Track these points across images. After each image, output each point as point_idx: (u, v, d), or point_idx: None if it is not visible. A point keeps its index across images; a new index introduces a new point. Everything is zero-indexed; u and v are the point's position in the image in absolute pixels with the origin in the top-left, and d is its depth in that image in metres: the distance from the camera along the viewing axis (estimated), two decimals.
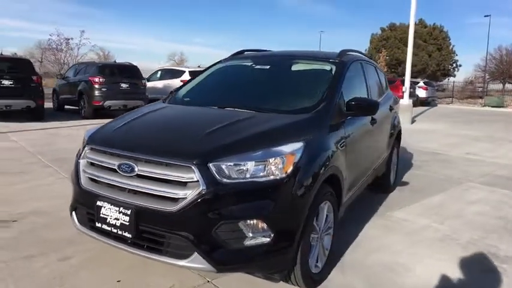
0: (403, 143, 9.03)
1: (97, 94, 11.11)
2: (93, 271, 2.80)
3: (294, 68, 3.76)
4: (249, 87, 3.56)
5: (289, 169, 2.31)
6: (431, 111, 20.15)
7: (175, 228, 2.19)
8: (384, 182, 4.91)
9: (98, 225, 2.41)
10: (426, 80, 28.05)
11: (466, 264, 3.16)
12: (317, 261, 2.73)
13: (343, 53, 3.81)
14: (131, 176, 2.34)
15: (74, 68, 13.58)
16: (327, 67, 3.55)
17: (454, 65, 45.84)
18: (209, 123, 2.63)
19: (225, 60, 4.17)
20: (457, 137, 10.63)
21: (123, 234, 2.30)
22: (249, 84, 3.62)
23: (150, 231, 2.27)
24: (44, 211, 3.88)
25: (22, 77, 10.15)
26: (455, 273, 2.99)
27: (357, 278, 2.85)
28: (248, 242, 2.22)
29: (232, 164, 2.22)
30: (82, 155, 2.66)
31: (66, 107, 13.24)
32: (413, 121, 14.42)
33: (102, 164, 2.49)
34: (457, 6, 72.90)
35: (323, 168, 2.58)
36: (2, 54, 11.15)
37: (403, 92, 14.65)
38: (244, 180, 2.21)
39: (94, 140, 2.65)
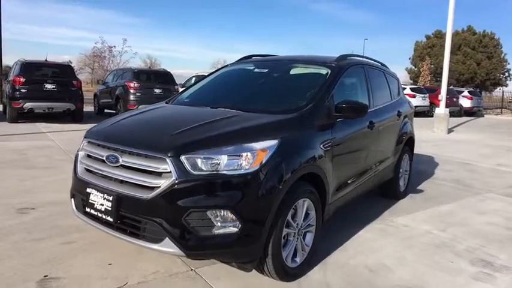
0: (431, 152, 8.86)
1: (132, 98, 11.73)
2: (90, 255, 3.05)
3: (293, 71, 3.88)
4: (243, 90, 3.73)
5: (258, 164, 2.43)
6: (474, 122, 19.33)
7: (150, 214, 2.38)
8: (391, 187, 4.87)
9: (87, 210, 2.65)
10: (471, 89, 26.91)
11: (454, 270, 3.11)
12: (295, 256, 2.82)
13: (342, 57, 3.88)
14: (116, 166, 2.57)
15: (113, 74, 14.41)
16: (323, 71, 3.64)
17: (506, 74, 43.50)
18: (192, 120, 2.82)
19: (232, 64, 4.37)
20: (493, 148, 10.19)
21: (107, 218, 2.53)
22: (244, 86, 3.79)
23: (129, 217, 2.47)
24: (61, 201, 4.22)
25: (63, 81, 10.95)
26: (437, 279, 2.96)
27: (335, 277, 2.90)
28: (216, 231, 2.36)
29: (203, 157, 2.38)
30: (80, 147, 2.94)
31: (106, 110, 14.04)
32: (450, 131, 13.94)
33: (95, 156, 2.75)
34: (510, 12, 69.23)
35: (299, 166, 2.68)
36: (46, 60, 12.05)
37: (439, 101, 14.20)
38: (214, 173, 2.37)
39: (90, 134, 2.92)
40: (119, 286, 2.61)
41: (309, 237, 2.98)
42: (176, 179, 2.33)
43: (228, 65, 4.38)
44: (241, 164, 2.42)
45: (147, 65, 40.87)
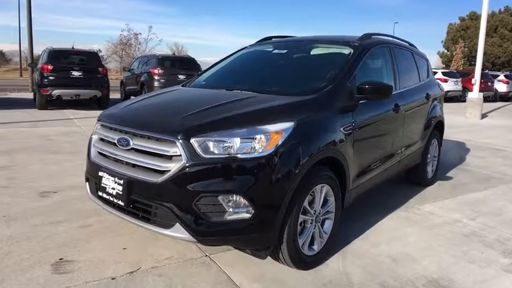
0: (462, 138, 8.46)
1: (156, 85, 11.78)
2: (106, 239, 3.04)
3: (313, 52, 3.71)
4: (261, 71, 3.60)
5: (273, 147, 2.32)
6: (509, 107, 18.39)
7: (160, 198, 2.32)
8: (418, 173, 4.65)
9: (100, 193, 2.62)
10: (507, 73, 25.58)
11: (483, 261, 2.91)
12: (312, 244, 2.71)
13: (366, 36, 3.67)
14: (127, 150, 2.51)
15: (138, 60, 14.51)
16: (346, 50, 3.46)
17: None
18: (204, 103, 2.73)
19: (251, 46, 4.23)
20: None
21: (118, 202, 2.49)
22: (262, 68, 3.65)
23: (140, 201, 2.42)
24: (81, 186, 4.24)
25: (90, 68, 11.11)
26: (465, 270, 2.78)
27: (355, 266, 2.77)
28: (229, 217, 2.27)
29: (214, 140, 2.28)
30: (94, 130, 2.90)
31: (132, 97, 14.19)
32: (483, 116, 13.31)
33: (107, 139, 2.70)
34: None
35: (316, 150, 2.55)
36: (73, 48, 12.25)
37: (472, 85, 13.56)
38: (225, 156, 2.27)
39: (103, 117, 2.87)
40: (132, 270, 2.58)
41: (328, 225, 2.85)
42: (186, 163, 2.25)
43: (246, 46, 4.24)
44: (254, 147, 2.31)
45: (173, 51, 41.05)
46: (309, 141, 2.53)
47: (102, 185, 2.60)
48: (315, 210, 2.69)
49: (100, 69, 11.28)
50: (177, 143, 2.28)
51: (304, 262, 2.62)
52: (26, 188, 4.18)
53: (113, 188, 2.50)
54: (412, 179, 4.74)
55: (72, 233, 3.12)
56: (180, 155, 2.27)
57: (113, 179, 2.50)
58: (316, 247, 2.73)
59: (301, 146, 2.45)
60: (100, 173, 2.60)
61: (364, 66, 3.37)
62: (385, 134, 3.58)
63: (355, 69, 3.17)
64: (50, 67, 10.60)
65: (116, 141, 2.58)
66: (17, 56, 43.88)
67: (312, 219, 2.67)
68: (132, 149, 2.49)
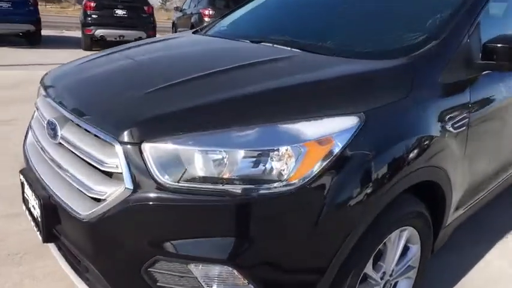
0: None
1: None
2: None
3: None
4: (312, 16, 2.24)
5: (310, 172, 1.11)
6: None
7: (86, 251, 1.24)
8: None
9: (24, 205, 1.61)
10: None
11: None
12: None
13: None
14: (56, 144, 1.43)
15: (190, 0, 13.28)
16: None
17: None
18: (198, 66, 1.54)
19: None
20: None
21: (38, 229, 1.46)
22: (315, 11, 2.28)
23: (62, 242, 1.37)
24: None
25: (135, 7, 10.10)
26: None
27: None
28: None
29: (190, 148, 1.12)
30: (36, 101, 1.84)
31: None
32: None
33: (40, 117, 1.64)
34: None
35: (402, 173, 1.30)
36: None
37: None
38: (209, 188, 1.11)
39: (46, 80, 1.78)
40: None
41: (404, 287, 1.65)
42: (130, 190, 1.13)
43: None
44: (271, 170, 1.12)
45: None
46: (386, 154, 1.27)
47: (25, 194, 1.58)
48: (383, 272, 1.49)
49: (146, 7, 10.24)
50: (116, 149, 1.16)
51: None
52: None
53: (34, 207, 1.47)
54: None
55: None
56: (122, 173, 1.15)
57: (31, 192, 1.46)
58: None
59: (371, 164, 1.21)
60: (21, 176, 1.57)
61: (495, 10, 1.93)
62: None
63: (478, 15, 1.75)
64: (92, 4, 9.74)
65: (45, 125, 1.51)
66: None
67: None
68: (61, 144, 1.41)
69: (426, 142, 1.40)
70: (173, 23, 13.95)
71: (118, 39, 10.07)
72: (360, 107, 1.25)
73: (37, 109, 1.69)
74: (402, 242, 1.52)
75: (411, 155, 1.33)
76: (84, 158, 1.27)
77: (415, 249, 1.62)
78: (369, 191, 1.20)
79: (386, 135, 1.29)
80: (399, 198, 1.35)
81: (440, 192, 1.59)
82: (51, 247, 1.53)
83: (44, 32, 10.83)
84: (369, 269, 1.39)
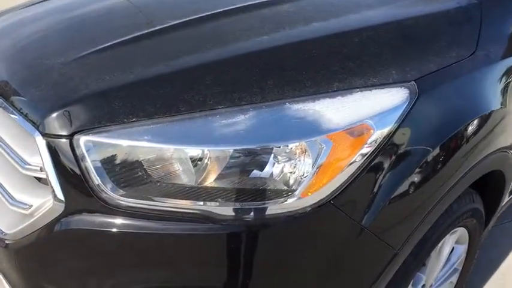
0: None
1: None
2: None
3: None
4: None
5: (339, 180, 0.71)
6: None
7: (8, 280, 0.89)
8: None
9: None
10: None
11: None
12: None
13: None
14: None
15: None
16: None
17: None
18: (167, 13, 1.07)
19: None
20: None
21: None
22: None
23: None
24: None
25: None
26: None
27: None
28: None
29: (149, 145, 0.72)
30: None
31: None
32: None
33: None
34: None
35: (469, 161, 0.91)
36: None
37: None
38: (183, 208, 0.71)
39: None
40: None
41: None
42: (62, 204, 0.74)
43: None
44: (275, 178, 0.72)
45: None
46: (449, 142, 0.86)
47: None
48: (423, 286, 1.14)
49: None
50: (38, 142, 0.75)
51: None
52: None
53: None
54: None
55: None
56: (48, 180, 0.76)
57: None
58: None
59: (429, 163, 0.81)
60: None
61: None
62: None
63: None
64: None
65: None
66: None
67: None
68: None
69: (497, 120, 0.99)
70: None
71: None
72: (410, 72, 0.82)
73: None
74: (449, 248, 1.16)
75: (479, 139, 0.92)
76: (5, 155, 0.87)
77: (461, 250, 1.27)
78: (425, 203, 0.82)
79: (447, 114, 0.87)
80: (459, 197, 0.97)
81: (500, 180, 1.20)
82: None
83: None
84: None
